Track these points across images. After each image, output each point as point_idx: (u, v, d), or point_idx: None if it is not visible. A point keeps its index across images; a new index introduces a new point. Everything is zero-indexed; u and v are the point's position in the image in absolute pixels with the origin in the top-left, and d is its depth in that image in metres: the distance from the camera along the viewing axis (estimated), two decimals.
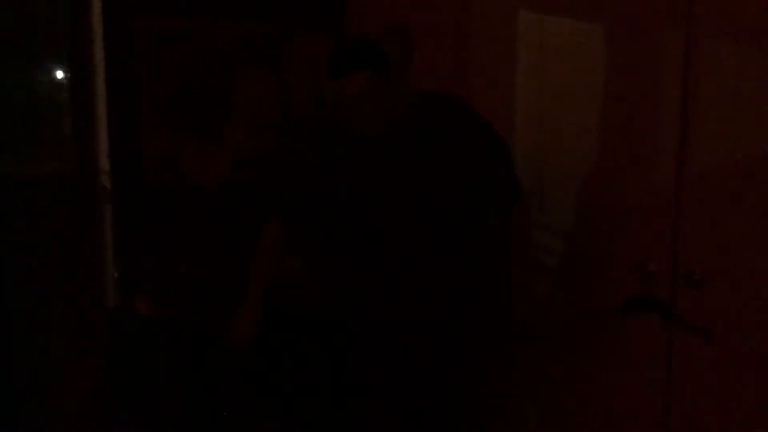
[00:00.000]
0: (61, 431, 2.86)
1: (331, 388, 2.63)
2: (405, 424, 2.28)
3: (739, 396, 1.82)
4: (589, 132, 2.23)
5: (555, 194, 2.35)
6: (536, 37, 2.42)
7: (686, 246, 1.93)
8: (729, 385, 1.85)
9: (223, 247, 2.86)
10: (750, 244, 1.78)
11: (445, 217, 2.20)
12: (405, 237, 2.21)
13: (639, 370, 2.09)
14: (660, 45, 2.00)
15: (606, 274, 2.19)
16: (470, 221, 2.24)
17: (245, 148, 3.09)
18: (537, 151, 2.37)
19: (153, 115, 3.01)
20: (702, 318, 1.88)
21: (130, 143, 2.94)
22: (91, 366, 2.85)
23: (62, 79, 2.98)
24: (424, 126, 2.18)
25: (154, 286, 2.77)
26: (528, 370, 2.44)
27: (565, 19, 2.30)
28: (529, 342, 2.40)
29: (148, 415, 2.64)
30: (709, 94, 1.87)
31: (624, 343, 2.14)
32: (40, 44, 2.90)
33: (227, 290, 2.72)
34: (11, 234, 2.78)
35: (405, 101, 2.21)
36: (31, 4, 2.86)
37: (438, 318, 2.25)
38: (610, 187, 2.20)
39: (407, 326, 2.24)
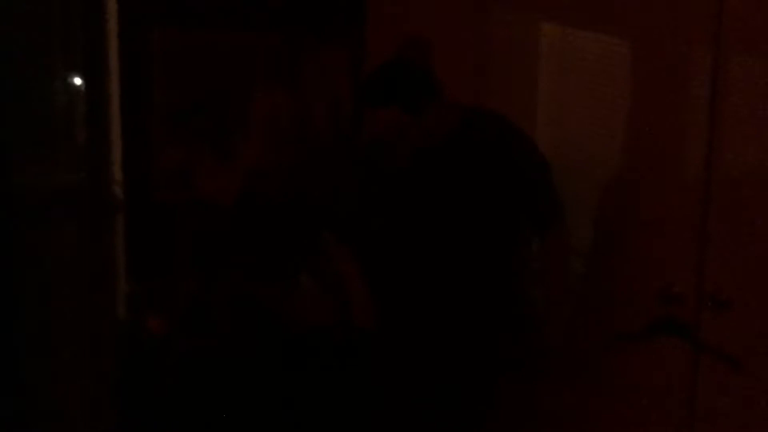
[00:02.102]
0: None
1: (346, 408, 2.59)
2: None
3: (765, 423, 1.77)
4: (612, 149, 2.20)
5: (577, 212, 2.32)
6: (559, 50, 2.40)
7: (712, 267, 1.90)
8: (756, 415, 1.80)
9: (238, 266, 2.84)
10: None
11: (485, 238, 2.17)
12: (444, 259, 2.19)
13: (662, 396, 2.05)
14: (686, 61, 1.98)
15: (629, 296, 2.15)
16: (511, 241, 2.21)
17: (261, 163, 3.07)
18: (559, 167, 2.34)
19: (167, 127, 2.99)
20: (729, 343, 1.84)
21: (143, 155, 2.93)
22: (100, 381, 2.83)
23: (76, 89, 2.97)
24: (466, 143, 2.16)
25: (167, 304, 2.74)
26: (548, 395, 2.40)
27: (589, 33, 2.27)
28: (550, 367, 2.36)
29: None
30: (737, 111, 1.84)
31: (647, 368, 2.09)
32: (54, 54, 2.90)
33: (240, 310, 2.70)
34: (23, 245, 2.77)
35: (443, 122, 2.18)
36: (45, 13, 2.86)
37: (474, 340, 2.22)
38: (634, 206, 2.16)
39: (443, 346, 2.21)
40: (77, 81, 2.97)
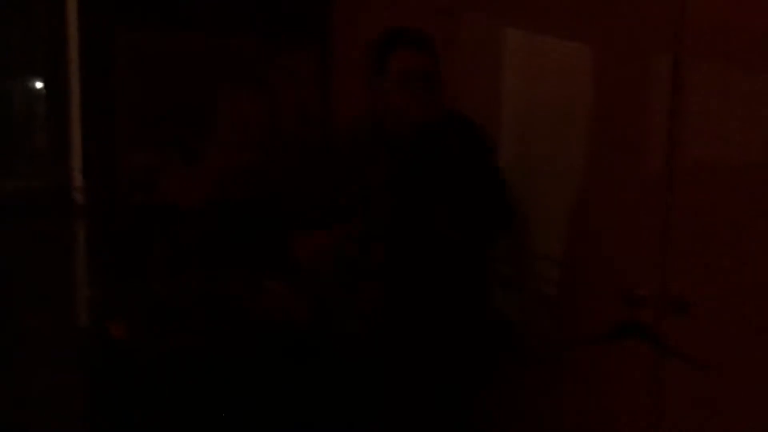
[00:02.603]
0: None
1: (318, 410, 2.58)
2: None
3: (728, 423, 1.79)
4: (576, 154, 2.21)
5: (541, 217, 2.33)
6: (523, 55, 2.41)
7: (674, 270, 1.91)
8: (719, 415, 1.82)
9: (204, 269, 2.81)
10: (738, 268, 1.76)
11: (458, 242, 2.18)
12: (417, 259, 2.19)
13: (628, 396, 2.06)
14: (647, 67, 1.99)
15: (594, 299, 2.16)
16: (468, 242, 2.20)
17: (227, 166, 3.04)
18: (522, 173, 2.35)
19: (132, 131, 2.95)
20: (690, 343, 1.86)
21: (107, 159, 2.89)
22: (63, 388, 2.79)
23: (36, 92, 2.92)
24: (443, 136, 2.14)
25: (130, 309, 2.71)
26: (520, 394, 2.41)
27: (552, 38, 2.29)
28: (520, 366, 2.37)
29: None
30: (697, 115, 1.86)
31: (612, 369, 2.11)
32: (13, 56, 2.85)
33: (208, 313, 2.67)
34: None
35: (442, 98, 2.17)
36: (6, 15, 2.81)
37: (445, 336, 2.22)
38: (597, 210, 2.18)
39: (418, 341, 2.21)
40: (37, 84, 2.92)
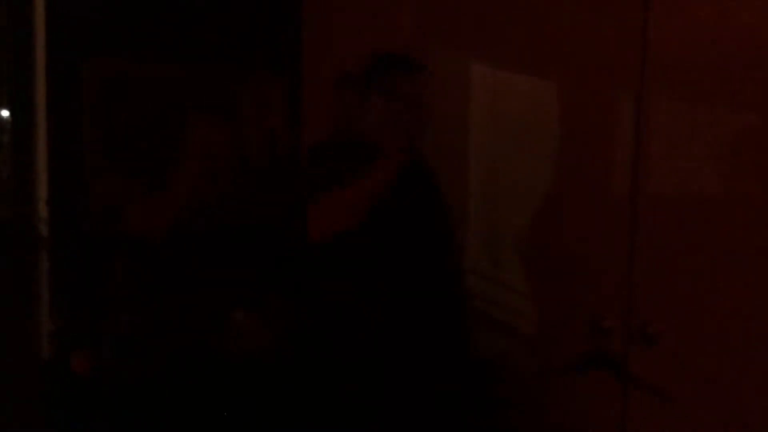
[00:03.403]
0: None
1: None
2: None
3: None
4: (541, 186, 2.23)
5: (509, 249, 2.34)
6: (489, 86, 2.43)
7: (640, 302, 1.92)
8: None
9: (168, 301, 2.78)
10: (703, 299, 1.78)
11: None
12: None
13: (594, 427, 2.06)
14: (612, 101, 2.02)
15: (561, 331, 2.17)
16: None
17: (193, 196, 3.02)
18: (490, 205, 2.36)
19: (98, 160, 2.92)
20: (656, 374, 1.87)
21: (72, 189, 2.85)
22: (24, 421, 2.73)
23: (1, 122, 2.89)
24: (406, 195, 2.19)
25: (93, 342, 2.66)
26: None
27: (518, 73, 2.31)
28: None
29: None
30: (660, 149, 1.89)
31: (579, 400, 2.11)
32: None
33: (172, 345, 2.64)
34: None
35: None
36: None
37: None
38: (564, 242, 2.19)
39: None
40: (3, 113, 2.89)
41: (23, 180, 2.79)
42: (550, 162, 2.20)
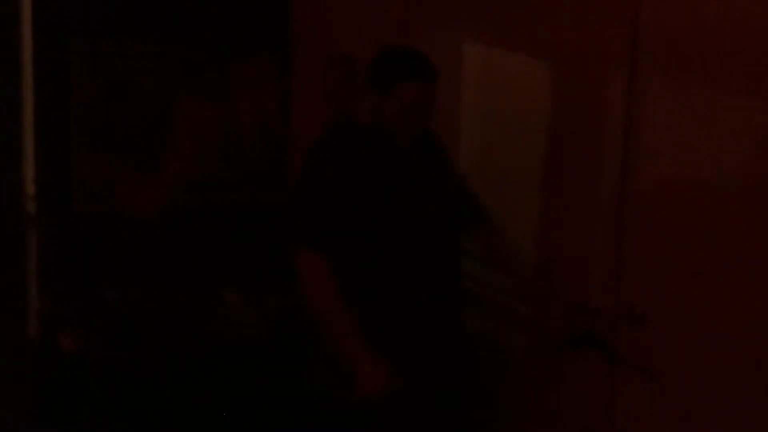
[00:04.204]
0: None
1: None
2: None
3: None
4: (532, 168, 2.24)
5: (497, 229, 2.35)
6: (480, 69, 2.43)
7: (628, 283, 1.94)
8: (670, 422, 1.85)
9: (157, 280, 2.77)
10: (691, 280, 1.80)
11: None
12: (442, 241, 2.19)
13: (583, 406, 2.08)
14: (603, 83, 2.02)
15: (550, 311, 2.19)
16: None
17: (184, 175, 3.01)
18: (481, 184, 2.37)
19: (87, 140, 2.90)
20: (643, 354, 1.89)
21: (60, 168, 2.83)
22: (12, 401, 2.72)
23: None
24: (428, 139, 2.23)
25: (81, 320, 2.66)
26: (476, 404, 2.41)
27: (510, 53, 2.31)
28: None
29: None
30: (650, 130, 1.90)
31: (567, 379, 2.13)
32: None
33: (161, 324, 2.64)
34: None
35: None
36: None
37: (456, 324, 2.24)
38: (553, 223, 2.20)
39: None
40: None
41: (9, 157, 2.77)
42: (540, 145, 2.21)
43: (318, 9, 3.15)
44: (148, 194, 2.89)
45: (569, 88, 2.13)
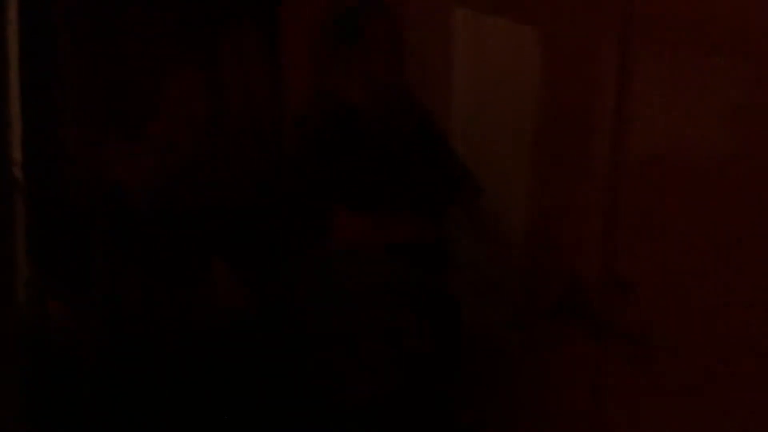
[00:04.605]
0: None
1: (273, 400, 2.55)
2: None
3: (668, 403, 1.83)
4: (523, 133, 2.23)
5: (488, 196, 2.35)
6: (473, 36, 2.41)
7: (618, 252, 1.94)
8: (659, 394, 1.86)
9: (146, 250, 2.76)
10: (681, 250, 1.79)
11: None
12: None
13: (569, 375, 2.09)
14: (595, 50, 2.01)
15: (538, 280, 2.19)
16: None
17: (172, 145, 2.99)
18: (471, 150, 2.37)
19: (74, 108, 2.88)
20: (632, 324, 1.90)
21: (48, 136, 2.81)
22: (3, 372, 2.72)
23: None
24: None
25: (71, 288, 2.65)
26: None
27: (501, 20, 2.30)
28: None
29: (65, 428, 2.53)
30: (643, 98, 1.89)
31: (554, 348, 2.13)
32: None
33: (149, 293, 2.63)
34: None
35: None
36: None
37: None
38: (543, 190, 2.20)
39: None
40: None
41: None
42: (532, 111, 2.20)
43: None
44: (136, 162, 2.87)
45: (562, 54, 2.12)
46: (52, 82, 2.80)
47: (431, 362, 2.17)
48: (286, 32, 3.23)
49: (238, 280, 2.75)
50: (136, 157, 2.83)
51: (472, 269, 2.40)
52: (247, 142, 3.22)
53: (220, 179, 3.10)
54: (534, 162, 2.23)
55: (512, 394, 2.30)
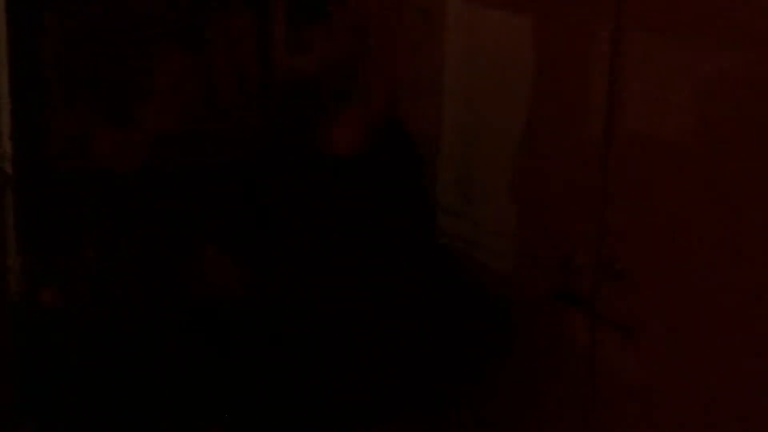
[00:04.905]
0: None
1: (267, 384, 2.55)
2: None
3: (662, 391, 1.83)
4: (516, 123, 2.22)
5: (481, 185, 2.34)
6: (463, 24, 2.39)
7: (612, 239, 1.94)
8: (651, 382, 1.87)
9: (137, 237, 2.75)
10: (675, 237, 1.80)
11: None
12: None
13: (564, 364, 2.10)
14: (587, 37, 2.00)
15: (532, 267, 2.19)
16: None
17: (163, 130, 2.96)
18: (464, 141, 2.35)
19: (62, 93, 2.84)
20: (624, 311, 1.90)
21: (36, 124, 2.78)
22: None
23: None
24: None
25: (62, 277, 2.64)
26: None
27: (493, 7, 2.27)
28: None
29: (57, 415, 2.53)
30: (635, 85, 1.88)
31: (549, 337, 2.14)
32: None
33: (140, 281, 2.62)
34: None
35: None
36: None
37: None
38: (537, 178, 2.19)
39: None
40: None
41: None
42: (524, 98, 2.19)
43: None
44: (126, 149, 2.85)
45: (553, 40, 2.11)
46: (39, 72, 2.76)
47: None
48: (276, 12, 3.20)
49: (229, 263, 2.74)
50: (126, 143, 2.81)
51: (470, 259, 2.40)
52: (236, 122, 3.19)
53: (210, 159, 3.08)
54: (527, 148, 2.21)
55: (506, 381, 2.31)
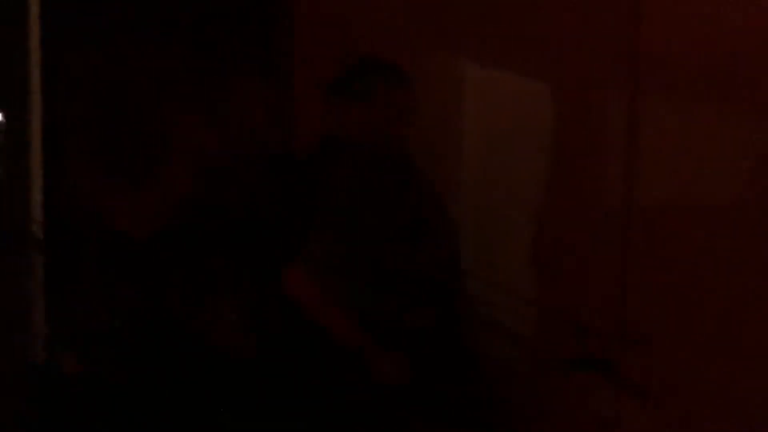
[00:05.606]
0: None
1: None
2: None
3: None
4: (535, 190, 2.23)
5: (501, 250, 2.34)
6: (482, 92, 2.43)
7: (633, 304, 1.92)
8: None
9: (150, 295, 2.77)
10: (695, 302, 1.77)
11: None
12: None
13: (585, 428, 2.06)
14: (604, 102, 2.01)
15: (553, 332, 2.17)
16: None
17: (179, 193, 3.00)
18: (483, 207, 2.36)
19: (84, 158, 2.90)
20: (648, 377, 1.87)
21: (63, 190, 2.84)
22: (14, 426, 2.73)
23: None
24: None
25: (82, 342, 2.66)
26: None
27: (511, 74, 2.31)
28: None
29: None
30: (654, 150, 1.88)
31: (569, 403, 2.11)
32: None
33: (156, 344, 2.63)
34: None
35: None
36: None
37: None
38: (556, 243, 2.19)
39: None
40: None
41: (17, 183, 2.78)
42: (543, 165, 2.21)
43: (321, 30, 3.16)
44: (142, 211, 2.88)
45: (571, 108, 2.12)
46: (66, 140, 2.84)
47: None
48: (298, 83, 3.27)
49: (238, 318, 2.75)
50: (143, 205, 2.84)
51: (489, 322, 2.40)
52: (251, 184, 3.23)
53: (224, 218, 3.11)
54: (546, 214, 2.22)
55: None
